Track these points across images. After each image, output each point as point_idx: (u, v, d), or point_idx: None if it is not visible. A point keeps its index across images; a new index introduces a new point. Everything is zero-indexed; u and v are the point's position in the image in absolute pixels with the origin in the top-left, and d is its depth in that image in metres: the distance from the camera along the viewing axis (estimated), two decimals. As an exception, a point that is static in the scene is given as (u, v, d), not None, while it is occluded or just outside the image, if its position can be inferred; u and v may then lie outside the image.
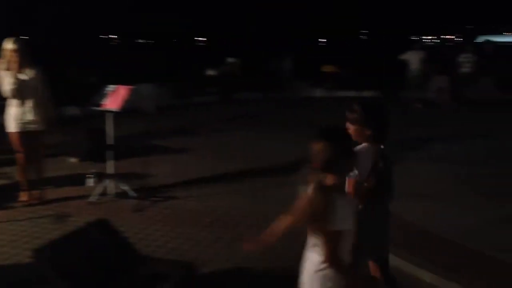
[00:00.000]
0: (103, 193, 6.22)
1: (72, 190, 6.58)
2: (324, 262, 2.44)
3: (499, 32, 66.30)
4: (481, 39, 30.82)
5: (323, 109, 14.14)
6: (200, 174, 7.47)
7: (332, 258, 2.41)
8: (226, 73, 16.34)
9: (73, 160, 8.02)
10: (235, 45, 22.02)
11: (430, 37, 58.40)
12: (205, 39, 32.65)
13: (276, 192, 6.68)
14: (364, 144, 3.16)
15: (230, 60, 16.75)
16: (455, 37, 52.27)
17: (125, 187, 6.26)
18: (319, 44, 37.75)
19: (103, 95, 6.10)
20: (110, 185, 6.28)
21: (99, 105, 6.06)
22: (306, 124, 11.41)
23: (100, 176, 6.59)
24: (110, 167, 6.29)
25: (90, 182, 6.73)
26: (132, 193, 6.22)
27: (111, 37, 36.58)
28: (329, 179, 2.49)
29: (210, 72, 16.88)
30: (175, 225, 5.49)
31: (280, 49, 17.21)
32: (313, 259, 2.53)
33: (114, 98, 6.01)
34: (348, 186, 2.95)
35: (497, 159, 8.04)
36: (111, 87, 6.15)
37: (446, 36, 57.38)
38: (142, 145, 7.19)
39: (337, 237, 2.40)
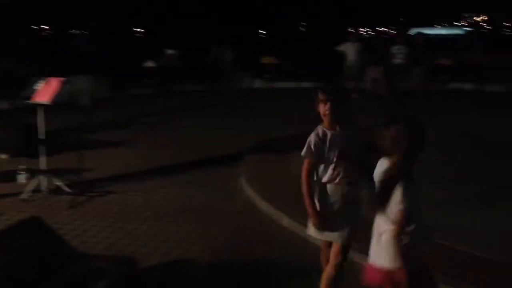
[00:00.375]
0: (36, 190, 5.99)
1: (2, 187, 6.28)
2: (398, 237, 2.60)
3: (431, 25, 69.73)
4: (413, 31, 32.14)
5: (264, 100, 14.30)
6: (138, 167, 7.35)
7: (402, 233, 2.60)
8: (165, 64, 16.08)
9: (3, 156, 7.65)
10: (174, 36, 21.66)
11: (366, 29, 60.21)
12: (143, 30, 31.90)
13: (217, 183, 6.72)
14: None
15: (168, 51, 16.49)
16: (389, 29, 54.17)
17: (58, 183, 6.05)
18: (260, 35, 37.93)
19: (33, 88, 5.85)
20: (43, 181, 6.05)
21: (29, 98, 5.81)
22: (247, 116, 11.58)
23: (32, 172, 6.33)
24: (42, 162, 6.05)
25: (22, 178, 6.45)
26: (66, 189, 6.02)
27: (42, 28, 34.91)
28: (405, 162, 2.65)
29: (149, 64, 16.55)
30: (113, 220, 5.38)
31: (220, 40, 17.12)
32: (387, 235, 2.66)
33: (45, 90, 5.78)
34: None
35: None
36: (42, 80, 5.90)
37: (381, 28, 59.39)
38: (77, 139, 6.96)
39: (408, 216, 2.58)
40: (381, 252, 2.72)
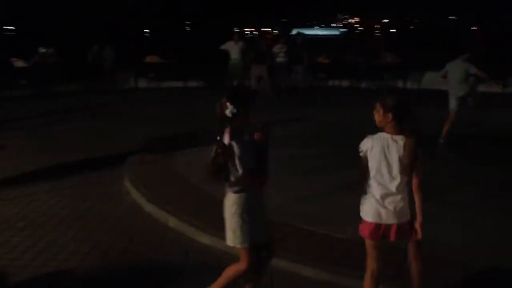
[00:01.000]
0: None
1: None
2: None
3: (311, 26, 73.44)
4: (294, 31, 33.51)
5: (148, 100, 13.96)
6: (13, 173, 6.79)
7: None
8: (39, 64, 14.98)
9: None
10: (49, 33, 20.29)
11: (250, 29, 61.54)
12: (13, 27, 29.39)
13: (100, 187, 6.44)
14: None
15: (42, 50, 15.39)
16: (273, 30, 55.90)
17: None
18: (144, 34, 37.01)
19: None
20: None
21: None
22: (130, 117, 11.20)
23: None
24: None
25: None
26: None
27: None
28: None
29: (20, 63, 15.30)
30: (-17, 233, 4.91)
31: (100, 38, 16.38)
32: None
33: None
34: None
35: (313, 139, 8.87)
36: None
37: (265, 29, 61.07)
38: None
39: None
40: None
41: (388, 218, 3.20)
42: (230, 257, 4.46)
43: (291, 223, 5.02)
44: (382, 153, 3.19)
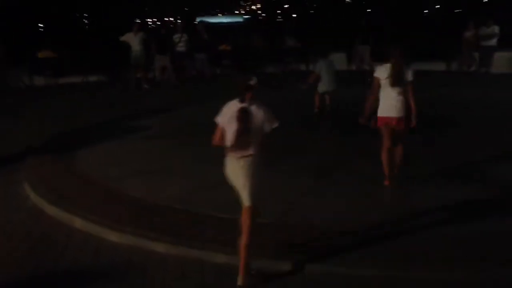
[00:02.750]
0: None
1: None
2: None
3: (214, 14, 73.33)
4: (197, 20, 33.20)
5: (44, 97, 13.14)
6: None
7: None
8: None
9: None
10: None
11: (152, 19, 60.05)
12: None
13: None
14: None
15: None
16: (176, 19, 55.00)
17: None
18: (38, 29, 34.74)
19: None
20: None
21: None
22: (25, 115, 10.48)
23: None
24: None
25: None
26: None
27: None
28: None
29: None
30: None
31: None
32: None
33: None
34: None
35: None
36: None
37: (168, 18, 59.95)
38: None
39: None
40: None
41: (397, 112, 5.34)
42: (140, 252, 4.41)
43: (200, 211, 5.03)
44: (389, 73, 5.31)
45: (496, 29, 13.77)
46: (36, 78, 15.25)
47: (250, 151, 3.73)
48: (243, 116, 3.71)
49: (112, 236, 4.71)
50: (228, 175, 3.88)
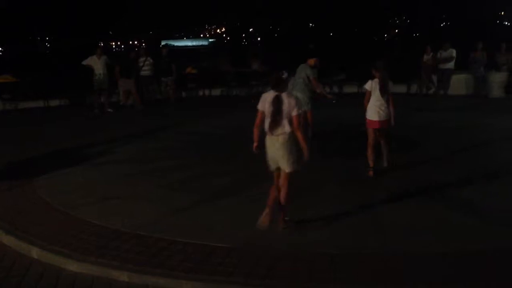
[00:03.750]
0: None
1: None
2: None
3: (180, 37, 73.53)
4: (163, 43, 33.23)
5: (2, 123, 12.73)
6: None
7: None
8: None
9: None
10: None
11: (117, 43, 59.77)
12: None
13: None
14: None
15: None
16: (141, 42, 54.89)
17: None
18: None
19: None
20: None
21: None
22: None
23: None
24: None
25: None
26: None
27: None
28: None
29: None
30: None
31: None
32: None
33: None
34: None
35: (172, 154, 8.80)
36: None
37: (133, 42, 59.77)
38: None
39: None
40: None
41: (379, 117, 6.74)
42: (102, 282, 4.26)
43: (166, 237, 4.91)
44: (376, 86, 6.68)
45: (453, 52, 14.30)
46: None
47: (285, 130, 4.80)
48: (276, 102, 4.79)
49: (72, 266, 4.53)
50: (269, 150, 4.92)
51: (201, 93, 17.02)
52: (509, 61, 14.28)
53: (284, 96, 4.80)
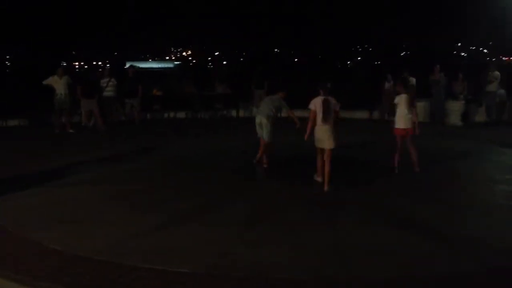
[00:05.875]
0: None
1: None
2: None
3: (145, 59, 73.20)
4: (128, 64, 32.95)
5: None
6: None
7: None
8: None
9: None
10: None
11: (79, 63, 58.93)
12: None
13: None
14: None
15: None
16: (104, 63, 54.27)
17: None
18: None
19: None
20: None
21: None
22: None
23: None
24: None
25: None
26: None
27: None
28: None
29: None
30: None
31: None
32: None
33: None
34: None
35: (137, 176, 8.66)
36: None
37: (96, 62, 59.03)
38: None
39: None
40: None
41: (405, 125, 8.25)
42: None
43: (127, 262, 4.77)
44: (404, 100, 8.25)
45: (412, 80, 14.77)
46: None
47: (330, 122, 7.23)
48: (325, 103, 7.20)
49: (27, 292, 4.34)
50: (320, 135, 7.27)
51: (166, 115, 16.93)
52: (465, 90, 14.85)
53: (330, 98, 7.25)
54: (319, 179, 7.61)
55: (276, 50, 45.86)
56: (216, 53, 60.56)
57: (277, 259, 4.89)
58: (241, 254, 5.03)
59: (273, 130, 8.68)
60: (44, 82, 13.31)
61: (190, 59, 72.27)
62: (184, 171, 8.81)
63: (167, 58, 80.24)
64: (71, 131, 13.38)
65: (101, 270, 4.63)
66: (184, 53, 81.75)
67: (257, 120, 8.74)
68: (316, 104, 7.24)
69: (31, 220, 6.06)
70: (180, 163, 9.48)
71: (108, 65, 31.16)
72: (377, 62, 38.15)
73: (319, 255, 5.00)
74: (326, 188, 7.19)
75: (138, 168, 9.06)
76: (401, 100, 8.28)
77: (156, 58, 75.46)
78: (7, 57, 47.87)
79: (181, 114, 17.09)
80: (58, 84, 13.21)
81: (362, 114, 16.46)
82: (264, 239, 5.42)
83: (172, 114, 17.04)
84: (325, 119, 7.15)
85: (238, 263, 4.81)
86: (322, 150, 7.34)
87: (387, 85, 15.34)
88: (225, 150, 10.64)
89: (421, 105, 15.49)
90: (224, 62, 54.96)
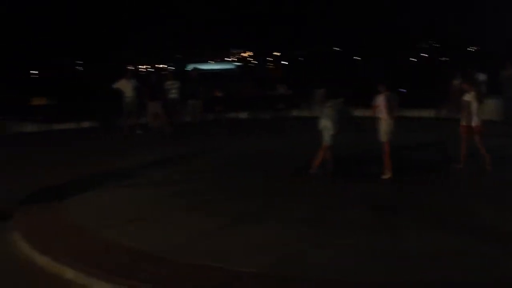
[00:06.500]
0: None
1: None
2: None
3: (206, 61, 74.51)
4: (190, 66, 33.68)
5: (37, 145, 13.08)
6: None
7: None
8: None
9: None
10: None
11: (145, 66, 60.96)
12: None
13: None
14: None
15: None
16: (168, 66, 55.85)
17: None
18: (31, 76, 35.05)
19: None
20: None
21: None
22: (16, 164, 10.31)
23: None
24: None
25: None
26: None
27: None
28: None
29: None
30: None
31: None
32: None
33: None
34: None
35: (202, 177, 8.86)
36: None
37: (160, 65, 60.88)
38: None
39: None
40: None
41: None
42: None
43: (197, 262, 4.91)
44: (472, 98, 8.29)
45: (482, 77, 14.07)
46: (29, 125, 15.25)
47: (393, 116, 7.82)
48: (387, 100, 7.79)
49: (104, 287, 4.57)
50: (387, 128, 7.78)
51: (227, 116, 17.18)
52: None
53: (389, 95, 7.89)
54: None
55: (335, 48, 45.36)
56: (278, 54, 60.58)
57: (340, 261, 4.85)
58: (303, 255, 5.03)
59: (336, 134, 8.54)
60: (114, 86, 13.92)
61: (250, 60, 72.83)
62: (246, 172, 8.92)
63: (227, 59, 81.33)
64: (138, 132, 13.90)
65: (173, 268, 4.78)
66: (244, 54, 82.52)
67: (321, 123, 8.60)
68: (379, 100, 7.84)
69: (106, 219, 6.35)
70: (242, 163, 9.61)
71: (172, 68, 32.03)
72: (444, 58, 36.76)
73: (383, 258, 4.90)
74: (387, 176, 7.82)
75: (201, 168, 9.29)
76: (469, 98, 8.26)
77: (216, 60, 76.67)
78: (78, 62, 50.49)
79: (243, 115, 17.30)
80: (127, 87, 13.77)
81: (428, 112, 15.92)
82: (327, 240, 5.40)
83: (233, 115, 17.27)
84: (389, 113, 7.77)
85: (301, 264, 4.82)
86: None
87: (455, 82, 14.72)
88: (286, 150, 10.66)
89: (492, 102, 14.75)
90: (284, 63, 54.93)
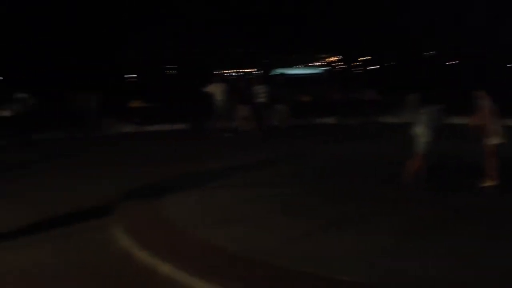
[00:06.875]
0: None
1: None
2: None
3: (292, 65, 74.69)
4: (276, 71, 33.97)
5: (135, 145, 13.81)
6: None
7: None
8: (20, 111, 14.58)
9: None
10: (27, 79, 19.99)
11: (232, 70, 62.29)
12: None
13: (88, 237, 6.23)
14: None
15: (20, 95, 14.83)
16: (254, 70, 56.63)
17: None
18: (128, 79, 37.14)
19: None
20: None
21: None
22: (118, 163, 10.95)
23: None
24: None
25: None
26: None
27: None
28: None
29: (4, 113, 15.00)
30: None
31: (83, 86, 16.33)
32: None
33: None
34: None
35: (299, 179, 8.84)
36: None
37: (247, 70, 61.92)
38: None
39: None
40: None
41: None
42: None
43: (289, 266, 4.89)
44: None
45: None
46: (126, 126, 16.20)
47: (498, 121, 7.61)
48: (490, 104, 7.44)
49: (201, 286, 4.67)
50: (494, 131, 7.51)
51: (314, 121, 17.07)
52: None
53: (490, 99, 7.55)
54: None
55: (429, 52, 43.35)
56: (366, 58, 59.06)
57: (427, 273, 4.61)
58: (389, 265, 4.82)
59: (429, 142, 8.14)
60: (205, 90, 14.37)
61: (337, 64, 71.84)
62: (333, 178, 8.76)
63: (313, 64, 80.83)
64: (228, 135, 14.23)
65: (267, 271, 4.79)
66: (331, 58, 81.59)
67: (414, 130, 8.23)
68: (484, 105, 7.52)
69: (202, 218, 6.54)
70: (329, 169, 9.46)
71: (261, 71, 32.43)
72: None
73: (473, 269, 4.62)
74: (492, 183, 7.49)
75: (289, 172, 9.28)
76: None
77: (303, 64, 76.49)
78: (169, 66, 52.67)
79: (330, 120, 17.09)
80: (217, 91, 14.16)
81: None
82: (414, 251, 5.15)
83: (320, 120, 17.12)
84: (494, 118, 7.47)
85: (387, 274, 4.63)
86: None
87: None
88: (375, 157, 10.35)
89: None
90: (374, 67, 53.49)
